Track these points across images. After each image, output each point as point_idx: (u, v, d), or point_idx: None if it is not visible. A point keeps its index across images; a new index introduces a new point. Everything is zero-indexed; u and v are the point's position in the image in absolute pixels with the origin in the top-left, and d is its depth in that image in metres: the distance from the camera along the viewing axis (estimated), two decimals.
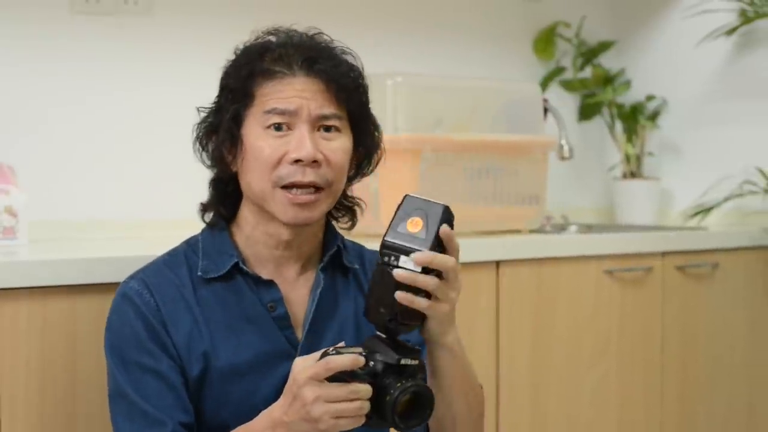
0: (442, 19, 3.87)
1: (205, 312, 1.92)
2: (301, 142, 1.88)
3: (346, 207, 2.06)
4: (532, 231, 3.40)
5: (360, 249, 2.12)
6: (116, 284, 2.15)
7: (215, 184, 2.00)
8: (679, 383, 3.52)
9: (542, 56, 4.13)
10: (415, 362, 1.77)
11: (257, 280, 1.95)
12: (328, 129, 1.92)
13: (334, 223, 2.07)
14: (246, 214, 1.97)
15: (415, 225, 1.76)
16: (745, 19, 3.87)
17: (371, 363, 1.74)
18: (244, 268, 1.94)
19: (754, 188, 3.80)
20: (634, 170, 4.12)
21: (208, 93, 3.21)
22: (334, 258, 2.02)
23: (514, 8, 4.08)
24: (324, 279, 1.99)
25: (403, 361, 1.76)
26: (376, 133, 2.03)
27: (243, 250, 1.96)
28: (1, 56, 2.95)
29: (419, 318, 1.80)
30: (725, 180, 3.92)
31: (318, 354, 1.73)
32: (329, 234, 2.03)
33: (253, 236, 1.96)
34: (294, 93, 1.89)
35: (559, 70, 4.15)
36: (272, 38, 1.96)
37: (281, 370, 1.90)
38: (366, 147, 2.01)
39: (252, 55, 1.93)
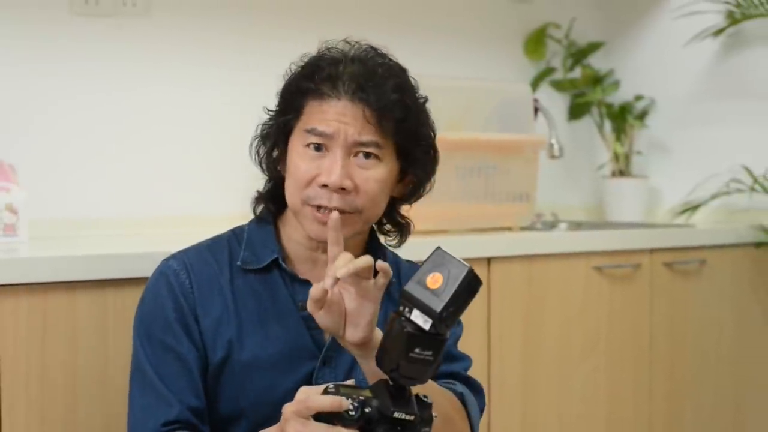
0: (436, 22, 3.87)
1: (238, 301, 1.94)
2: (332, 167, 1.87)
3: (397, 224, 2.04)
4: (523, 228, 3.40)
5: (398, 262, 2.09)
6: (115, 281, 2.16)
7: (268, 181, 2.03)
8: (667, 378, 3.53)
9: (533, 57, 4.13)
10: (410, 417, 1.71)
11: (293, 278, 1.96)
12: (367, 156, 1.90)
13: (381, 237, 2.06)
14: (290, 215, 1.98)
15: (435, 281, 1.72)
16: (732, 20, 3.87)
17: (367, 409, 1.68)
18: (283, 264, 1.96)
19: (741, 186, 3.81)
20: (622, 169, 4.13)
21: (206, 93, 3.25)
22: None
23: (505, 10, 4.08)
24: None
25: (396, 414, 1.70)
26: (430, 162, 1.99)
27: (285, 246, 1.98)
28: (1, 56, 2.95)
29: (423, 375, 1.73)
30: (712, 178, 3.93)
31: (322, 388, 1.69)
32: (372, 244, 2.03)
33: (295, 236, 1.97)
34: (334, 116, 1.88)
35: (550, 71, 4.15)
36: (328, 56, 1.94)
37: (303, 369, 1.92)
38: (417, 175, 1.98)
39: (307, 72, 1.93)
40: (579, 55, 4.20)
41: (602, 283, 3.33)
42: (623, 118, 4.14)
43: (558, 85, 4.19)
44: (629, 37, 4.32)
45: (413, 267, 2.06)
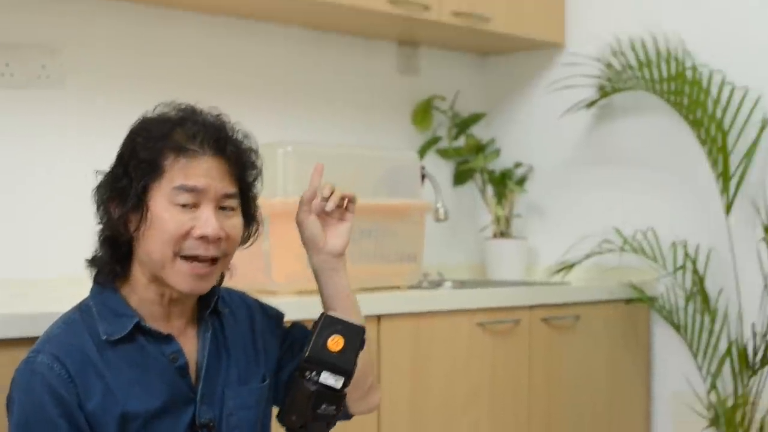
0: (330, 92, 3.91)
1: (114, 374, 1.89)
2: (208, 221, 1.89)
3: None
4: (410, 287, 3.41)
5: (240, 295, 2.16)
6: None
7: (110, 243, 1.96)
8: (545, 428, 3.57)
9: (420, 126, 4.17)
10: None
11: (157, 336, 1.94)
12: (227, 207, 1.94)
13: None
14: (138, 275, 1.95)
15: (336, 344, 1.80)
16: (604, 93, 3.96)
17: None
18: (145, 326, 1.93)
19: (612, 246, 3.90)
20: (503, 230, 4.17)
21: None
22: (214, 307, 2.04)
23: (394, 82, 4.14)
24: (208, 326, 2.02)
25: None
26: (258, 210, 2.07)
27: (137, 309, 1.95)
28: None
29: (327, 428, 1.83)
30: (586, 239, 4.01)
31: None
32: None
33: (146, 296, 1.95)
34: (203, 172, 1.90)
35: (436, 140, 4.19)
36: (182, 114, 1.96)
37: (185, 417, 1.93)
38: (250, 222, 2.04)
39: (164, 130, 1.92)
40: (463, 125, 4.25)
41: (485, 338, 3.35)
42: (504, 184, 4.18)
43: (443, 153, 4.23)
44: (509, 108, 4.39)
45: (254, 299, 2.16)
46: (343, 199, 2.13)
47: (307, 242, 2.13)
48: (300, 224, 2.13)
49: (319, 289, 2.14)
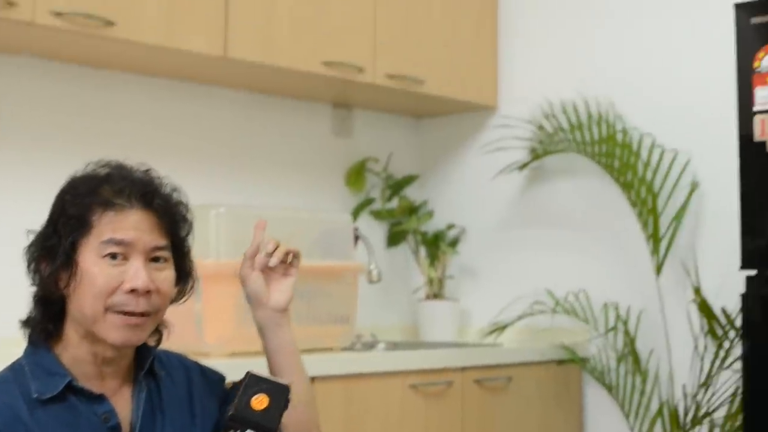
0: (265, 154, 3.91)
1: None
2: (137, 273, 1.88)
3: (161, 323, 2.06)
4: (344, 349, 3.41)
5: (178, 357, 2.13)
6: None
7: (43, 303, 1.94)
8: None
9: (354, 188, 4.18)
10: None
11: (89, 395, 1.92)
12: (157, 260, 1.93)
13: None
14: (71, 334, 1.93)
15: (261, 402, 1.79)
16: (535, 155, 3.99)
17: None
18: (77, 385, 1.91)
19: (544, 308, 3.91)
20: (436, 292, 4.17)
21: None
22: (150, 367, 2.02)
23: (328, 144, 4.15)
24: (143, 387, 2.00)
25: None
26: (192, 265, 2.05)
27: (70, 368, 1.92)
28: None
29: None
30: (518, 300, 4.01)
31: None
32: (143, 347, 2.03)
33: (79, 354, 1.93)
34: (131, 225, 1.89)
35: (369, 201, 4.20)
36: (109, 171, 1.95)
37: None
38: (184, 277, 2.02)
39: (92, 186, 1.92)
40: (396, 186, 4.26)
41: (417, 400, 3.35)
42: (437, 245, 4.19)
43: (377, 215, 4.24)
44: (442, 170, 4.42)
45: (194, 362, 2.14)
46: (287, 254, 2.13)
47: (250, 298, 2.13)
48: (243, 280, 2.13)
49: (263, 344, 2.14)
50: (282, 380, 1.86)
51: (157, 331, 2.06)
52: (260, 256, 2.11)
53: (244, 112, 3.85)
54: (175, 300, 2.02)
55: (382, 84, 3.79)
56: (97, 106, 3.41)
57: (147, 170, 1.99)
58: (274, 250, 2.12)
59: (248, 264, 2.12)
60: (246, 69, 3.50)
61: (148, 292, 1.89)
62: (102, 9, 3.02)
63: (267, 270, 2.12)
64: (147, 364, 2.01)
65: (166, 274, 1.95)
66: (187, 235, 2.02)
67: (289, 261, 2.15)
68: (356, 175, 4.19)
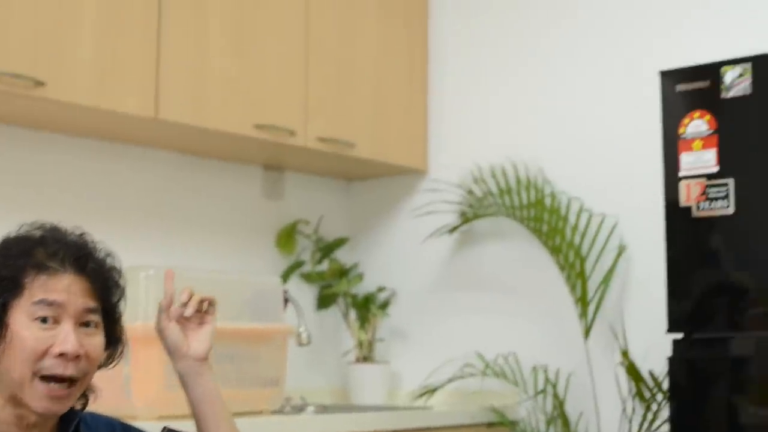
0: (196, 216, 3.90)
1: None
2: (67, 337, 1.86)
3: (88, 388, 2.04)
4: (273, 412, 3.39)
5: (107, 419, 2.11)
6: None
7: None
8: None
9: (284, 250, 4.17)
10: None
11: None
12: (88, 324, 1.91)
13: None
14: None
15: None
16: (465, 218, 4.02)
17: None
18: None
19: (474, 371, 3.91)
20: (366, 355, 4.16)
21: None
22: (75, 430, 2.00)
23: (258, 206, 4.14)
24: None
25: None
26: (123, 330, 2.04)
27: None
28: None
29: None
30: (448, 363, 4.01)
31: None
32: (69, 410, 2.00)
33: (3, 417, 1.90)
34: (63, 288, 1.88)
35: (299, 264, 4.20)
36: (43, 233, 1.94)
37: None
38: (113, 342, 2.01)
39: (25, 248, 1.91)
40: (326, 249, 4.26)
41: None
42: (367, 308, 4.19)
43: (307, 277, 4.23)
44: (373, 233, 4.43)
45: (121, 423, 2.12)
46: (201, 302, 2.14)
47: (169, 349, 2.13)
48: (160, 332, 2.13)
49: (186, 395, 2.14)
50: None
51: (84, 396, 2.04)
52: (175, 307, 2.12)
53: (176, 173, 3.84)
54: (103, 365, 2.00)
55: (313, 147, 3.80)
56: (26, 166, 3.38)
57: (81, 234, 1.99)
58: (189, 300, 2.12)
59: (164, 316, 2.13)
60: (177, 131, 3.50)
61: (77, 357, 1.88)
62: (32, 69, 3.00)
63: (183, 320, 2.13)
64: (72, 428, 1.99)
65: (96, 340, 1.93)
66: (119, 300, 2.01)
67: (205, 309, 2.15)
68: (287, 237, 4.18)
